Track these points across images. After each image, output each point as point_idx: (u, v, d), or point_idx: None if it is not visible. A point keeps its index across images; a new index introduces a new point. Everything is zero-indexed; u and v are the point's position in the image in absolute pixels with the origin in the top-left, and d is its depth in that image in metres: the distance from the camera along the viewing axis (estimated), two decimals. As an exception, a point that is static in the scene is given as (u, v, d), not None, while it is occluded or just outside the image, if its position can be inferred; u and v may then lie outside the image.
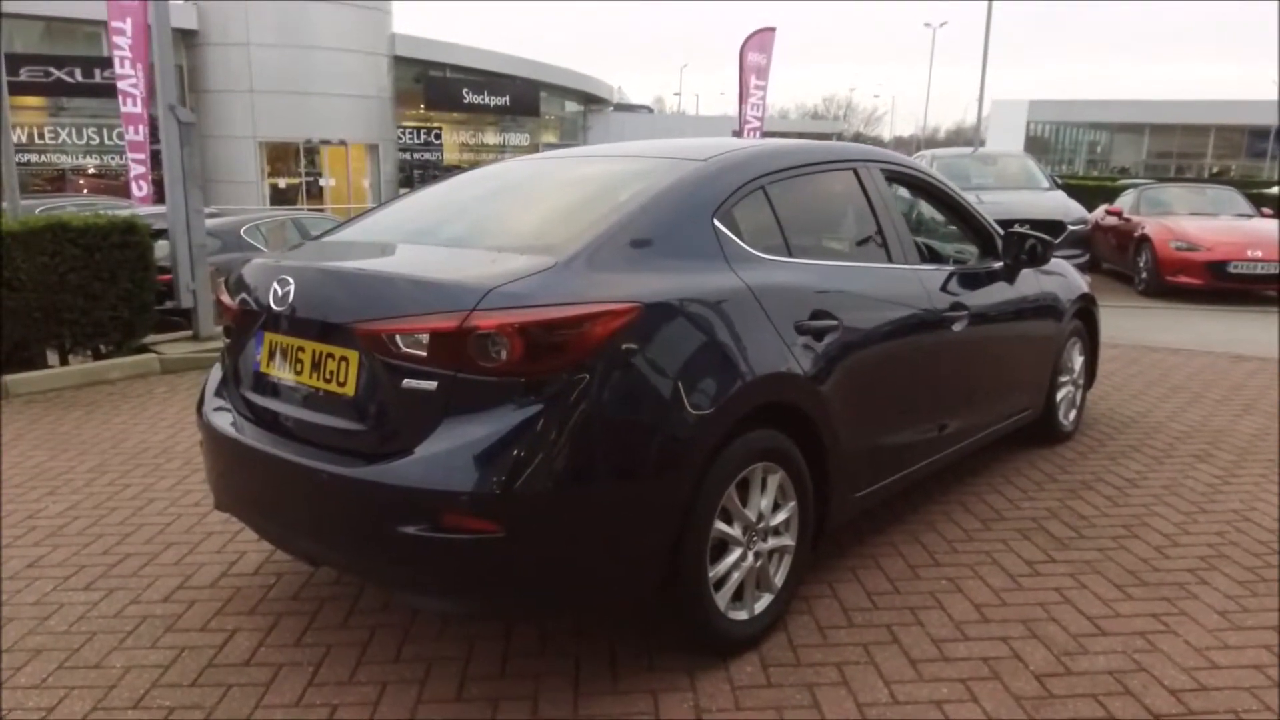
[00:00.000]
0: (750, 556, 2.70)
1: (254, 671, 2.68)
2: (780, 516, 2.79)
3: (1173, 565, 3.34)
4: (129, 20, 14.48)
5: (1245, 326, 8.66)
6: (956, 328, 3.56)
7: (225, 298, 2.90)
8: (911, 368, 3.35)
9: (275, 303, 2.59)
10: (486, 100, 27.79)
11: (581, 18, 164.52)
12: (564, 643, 2.79)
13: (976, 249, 4.21)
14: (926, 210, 4.46)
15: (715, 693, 2.54)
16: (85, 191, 19.71)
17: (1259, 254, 9.97)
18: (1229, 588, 3.15)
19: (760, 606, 2.76)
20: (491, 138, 31.51)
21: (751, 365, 2.59)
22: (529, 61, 29.65)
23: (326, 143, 22.82)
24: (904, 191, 4.00)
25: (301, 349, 2.57)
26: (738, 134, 20.12)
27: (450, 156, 30.04)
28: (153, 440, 5.03)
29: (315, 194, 23.37)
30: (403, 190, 25.09)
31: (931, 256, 3.96)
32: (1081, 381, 4.97)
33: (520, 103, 28.99)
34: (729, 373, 2.52)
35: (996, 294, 3.95)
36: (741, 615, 2.70)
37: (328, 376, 2.49)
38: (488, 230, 2.98)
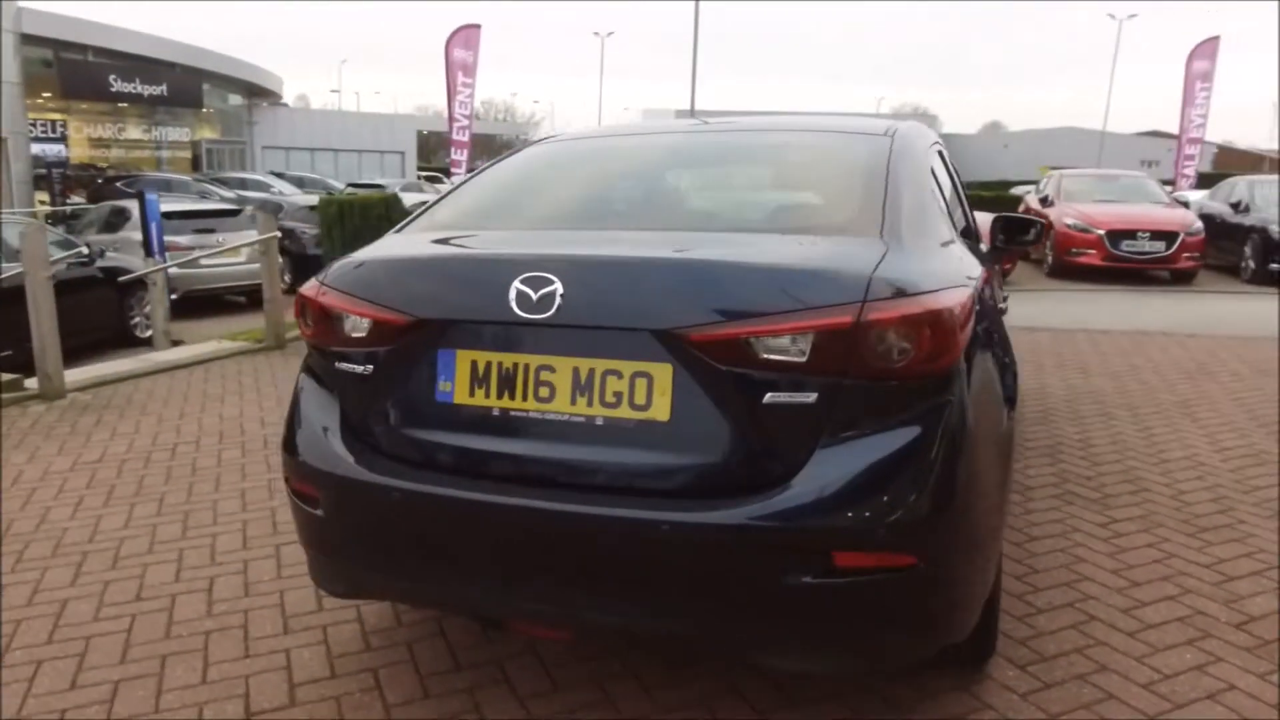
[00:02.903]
0: (993, 554, 2.56)
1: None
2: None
3: (1205, 510, 3.70)
4: None
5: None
6: (1004, 307, 3.66)
7: (362, 307, 2.14)
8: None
9: (523, 308, 1.96)
10: (139, 89, 24.16)
11: (218, 8, 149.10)
12: (800, 689, 2.44)
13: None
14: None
15: (1010, 703, 2.36)
16: None
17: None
18: (1261, 515, 3.56)
19: (985, 605, 2.62)
20: (137, 132, 27.47)
21: (1012, 352, 2.44)
22: (189, 47, 26.13)
23: (-65, 135, 18.47)
24: None
25: (549, 367, 1.97)
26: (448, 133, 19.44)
27: (80, 153, 25.69)
28: (-28, 522, 3.67)
29: (-83, 198, 18.81)
30: (41, 199, 20.94)
31: None
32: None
33: (180, 93, 25.59)
34: (1011, 360, 2.36)
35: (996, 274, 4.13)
36: None
37: (611, 400, 1.93)
38: (728, 211, 2.51)
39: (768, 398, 1.84)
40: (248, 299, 11.83)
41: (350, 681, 2.51)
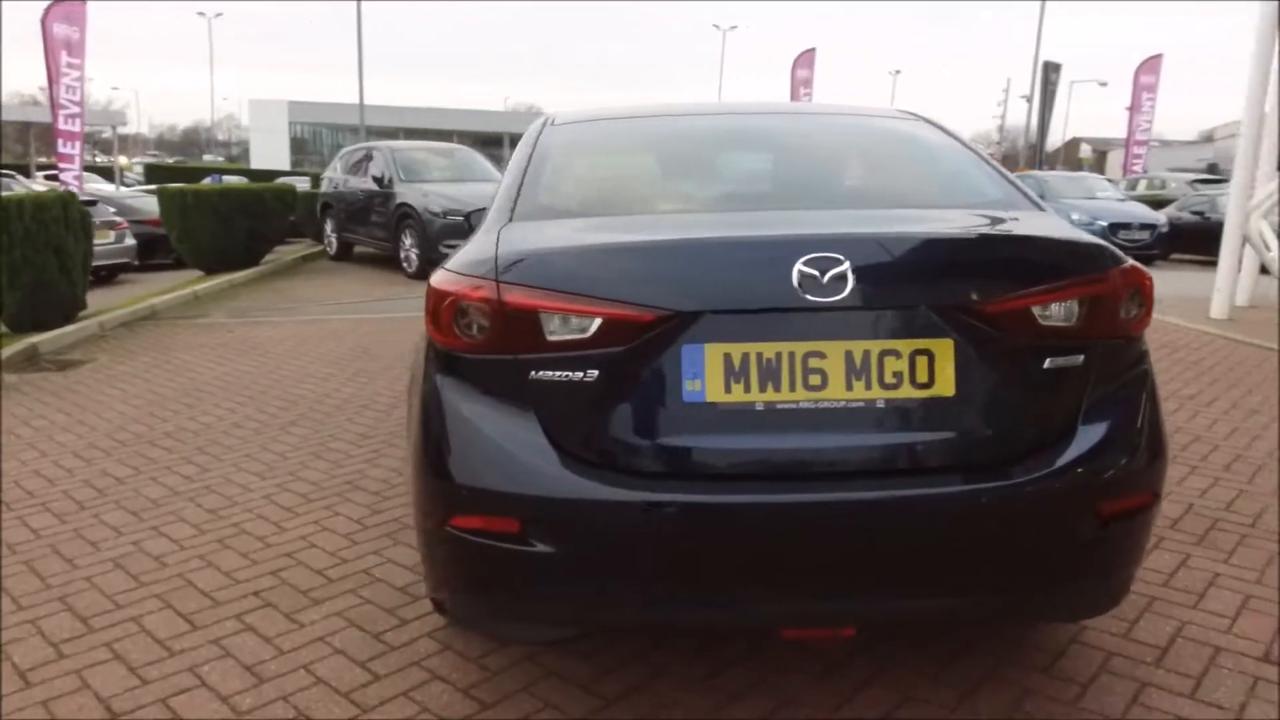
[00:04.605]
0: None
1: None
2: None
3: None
4: None
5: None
6: None
7: (585, 304, 1.84)
8: None
9: (809, 292, 1.82)
10: None
11: None
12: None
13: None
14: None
15: (1098, 621, 2.67)
16: None
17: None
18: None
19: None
20: None
21: None
22: None
23: None
24: None
25: (819, 354, 1.87)
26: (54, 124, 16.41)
27: None
28: None
29: None
30: None
31: None
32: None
33: None
34: None
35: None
36: None
37: (891, 381, 1.88)
38: (887, 188, 2.50)
39: (1048, 363, 1.93)
40: None
41: (505, 745, 2.16)
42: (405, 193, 11.53)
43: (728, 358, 1.87)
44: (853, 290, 1.85)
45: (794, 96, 24.04)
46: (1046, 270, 1.96)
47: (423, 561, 2.20)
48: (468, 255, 2.09)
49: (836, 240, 1.89)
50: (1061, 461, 1.91)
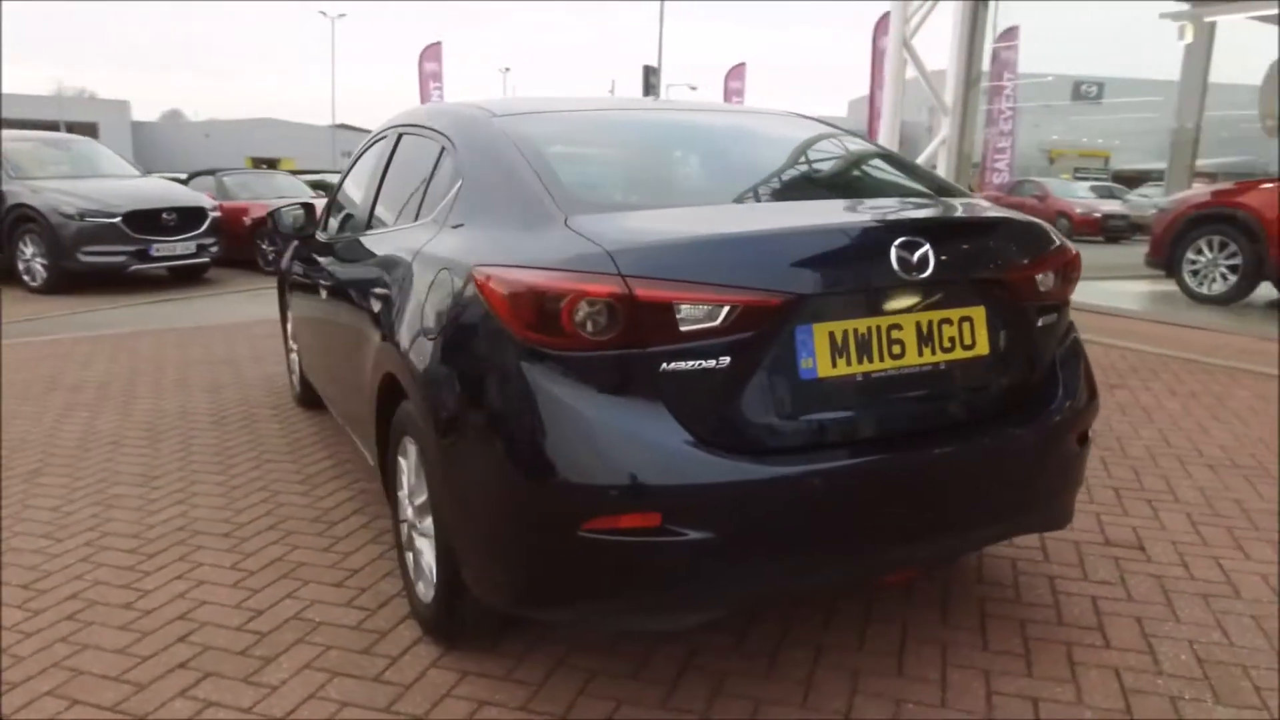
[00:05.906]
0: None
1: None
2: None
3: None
4: None
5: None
6: None
7: (721, 294, 1.89)
8: None
9: (905, 270, 2.05)
10: None
11: None
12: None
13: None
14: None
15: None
16: None
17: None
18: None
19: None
20: None
21: None
22: None
23: None
24: None
25: (898, 325, 2.11)
26: None
27: None
28: None
29: None
30: None
31: None
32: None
33: None
34: None
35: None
36: None
37: (948, 345, 2.17)
38: (873, 180, 2.73)
39: (1040, 321, 2.36)
40: None
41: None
42: (19, 192, 9.65)
43: (832, 335, 2.04)
44: (934, 268, 2.11)
45: (423, 90, 23.73)
46: (1036, 245, 2.40)
47: (519, 578, 2.09)
48: (551, 251, 2.00)
49: (920, 224, 2.16)
50: (1058, 399, 2.37)
